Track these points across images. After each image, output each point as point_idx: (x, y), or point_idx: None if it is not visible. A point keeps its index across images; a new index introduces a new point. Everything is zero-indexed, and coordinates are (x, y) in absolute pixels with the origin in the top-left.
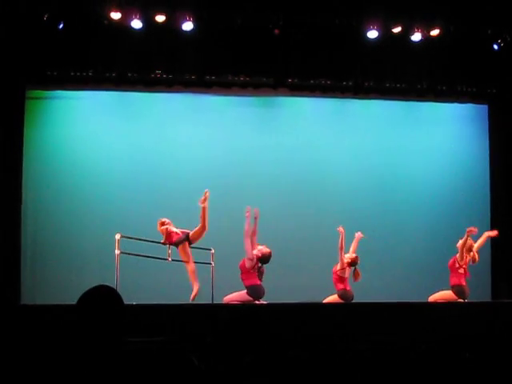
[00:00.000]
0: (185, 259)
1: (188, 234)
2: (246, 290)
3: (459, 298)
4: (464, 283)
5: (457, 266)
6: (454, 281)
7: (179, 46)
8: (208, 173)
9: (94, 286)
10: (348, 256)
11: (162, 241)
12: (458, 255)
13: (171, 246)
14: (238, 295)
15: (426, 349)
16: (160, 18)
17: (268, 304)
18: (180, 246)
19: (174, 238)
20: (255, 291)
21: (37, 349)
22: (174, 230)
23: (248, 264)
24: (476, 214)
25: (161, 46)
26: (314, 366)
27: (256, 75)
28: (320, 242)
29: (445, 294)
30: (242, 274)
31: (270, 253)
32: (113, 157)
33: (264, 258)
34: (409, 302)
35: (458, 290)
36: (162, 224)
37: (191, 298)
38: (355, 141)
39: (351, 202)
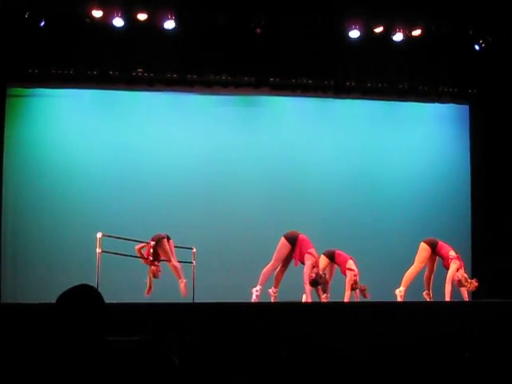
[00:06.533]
0: (165, 258)
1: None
2: None
3: None
4: None
5: None
6: None
7: (161, 44)
8: (190, 171)
9: (74, 284)
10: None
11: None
12: None
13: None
14: None
15: (413, 348)
16: (142, 17)
17: (250, 303)
18: (158, 246)
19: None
20: None
21: (17, 347)
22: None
23: None
24: (457, 213)
25: (142, 45)
26: (296, 364)
27: (238, 74)
28: None
29: None
30: None
31: None
32: (94, 155)
33: None
34: (392, 302)
35: None
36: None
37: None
38: (336, 140)
39: (332, 201)
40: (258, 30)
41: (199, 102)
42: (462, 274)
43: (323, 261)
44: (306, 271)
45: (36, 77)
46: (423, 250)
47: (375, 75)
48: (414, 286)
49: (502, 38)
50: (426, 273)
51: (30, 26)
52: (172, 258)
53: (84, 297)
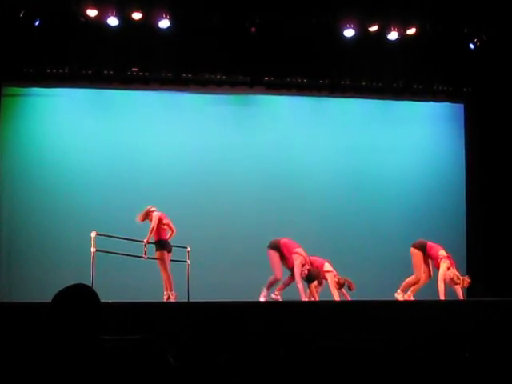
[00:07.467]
0: (159, 263)
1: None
2: None
3: None
4: None
5: None
6: None
7: (155, 43)
8: (184, 170)
9: (69, 283)
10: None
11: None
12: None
13: (147, 244)
14: None
15: (404, 347)
16: (136, 16)
17: (246, 302)
18: (158, 252)
19: (163, 235)
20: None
21: (13, 346)
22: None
23: None
24: (452, 212)
25: (137, 44)
26: (290, 364)
27: (232, 73)
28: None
29: None
30: None
31: None
32: (89, 154)
33: None
34: (384, 300)
35: None
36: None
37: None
38: (331, 139)
39: (328, 200)
40: (253, 29)
41: (194, 101)
42: (454, 273)
43: None
44: (297, 271)
45: (31, 76)
46: (415, 255)
47: (370, 74)
48: (394, 285)
49: (497, 36)
50: (413, 278)
51: (24, 26)
52: (168, 268)
53: (80, 296)
